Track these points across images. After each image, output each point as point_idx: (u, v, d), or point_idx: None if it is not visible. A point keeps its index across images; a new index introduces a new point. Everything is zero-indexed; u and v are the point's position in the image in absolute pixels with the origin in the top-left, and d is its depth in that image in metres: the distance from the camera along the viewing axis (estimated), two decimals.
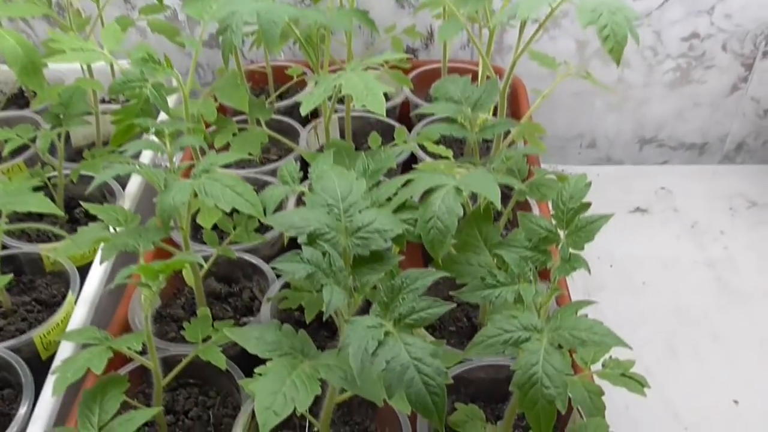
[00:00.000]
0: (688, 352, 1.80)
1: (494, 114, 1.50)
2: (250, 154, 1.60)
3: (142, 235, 1.23)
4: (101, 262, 1.29)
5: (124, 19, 1.83)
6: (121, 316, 1.45)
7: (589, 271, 1.09)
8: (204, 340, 1.29)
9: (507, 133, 1.48)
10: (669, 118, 2.38)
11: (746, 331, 1.85)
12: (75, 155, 1.98)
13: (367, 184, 1.18)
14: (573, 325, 0.95)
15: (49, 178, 1.74)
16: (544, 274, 1.15)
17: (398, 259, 1.07)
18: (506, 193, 1.42)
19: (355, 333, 0.90)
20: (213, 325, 1.32)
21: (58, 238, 1.65)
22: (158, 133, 1.29)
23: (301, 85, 2.08)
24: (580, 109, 2.36)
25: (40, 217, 1.73)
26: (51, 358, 1.40)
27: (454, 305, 0.95)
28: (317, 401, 0.96)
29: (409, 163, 1.76)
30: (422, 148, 1.68)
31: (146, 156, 1.82)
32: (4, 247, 1.62)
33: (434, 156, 1.55)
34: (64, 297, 1.53)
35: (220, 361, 1.23)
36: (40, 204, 1.29)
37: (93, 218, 1.30)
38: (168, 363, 1.32)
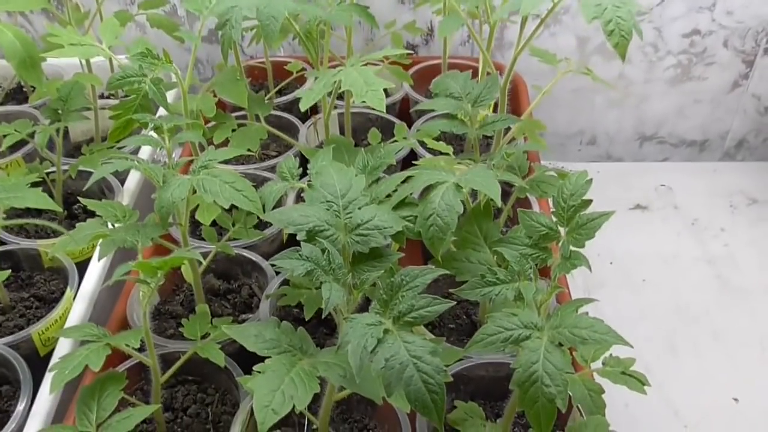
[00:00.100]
0: (688, 350, 1.79)
1: (494, 110, 1.49)
2: (249, 150, 1.59)
3: (140, 232, 1.23)
4: (99, 259, 1.28)
5: (123, 13, 1.83)
6: (120, 313, 1.45)
7: (590, 268, 1.09)
8: (203, 337, 1.29)
9: (507, 129, 1.47)
10: (669, 115, 2.37)
11: (746, 329, 1.84)
12: (74, 150, 1.97)
13: (367, 181, 1.18)
14: (573, 323, 0.95)
15: (47, 174, 1.73)
16: (544, 272, 1.15)
17: (398, 256, 1.07)
18: (506, 189, 1.42)
19: (354, 331, 0.89)
20: (212, 322, 1.32)
21: (56, 233, 1.65)
22: (157, 129, 1.29)
23: (301, 80, 2.08)
24: (581, 105, 2.35)
25: (38, 212, 1.73)
26: (49, 354, 1.39)
27: (454, 303, 0.94)
28: (316, 399, 0.96)
29: (409, 160, 1.76)
30: (422, 144, 1.68)
31: (145, 151, 1.81)
32: (2, 242, 1.62)
33: (434, 152, 1.55)
34: (62, 293, 1.53)
35: (219, 359, 1.23)
36: (38, 200, 1.28)
37: (91, 214, 1.29)
38: (166, 360, 1.31)
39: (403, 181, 1.17)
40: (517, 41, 1.37)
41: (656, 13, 2.14)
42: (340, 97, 1.74)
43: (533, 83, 1.92)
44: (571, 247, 1.10)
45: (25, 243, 1.62)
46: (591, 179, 1.12)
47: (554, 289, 1.05)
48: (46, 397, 1.28)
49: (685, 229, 2.15)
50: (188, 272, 1.44)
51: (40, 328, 1.43)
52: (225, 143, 1.63)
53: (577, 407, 1.14)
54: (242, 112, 1.74)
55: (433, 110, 1.59)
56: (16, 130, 1.65)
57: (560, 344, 0.94)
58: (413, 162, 1.33)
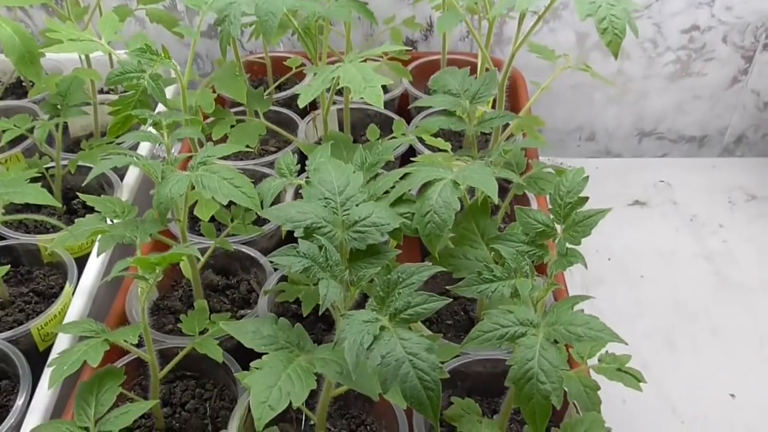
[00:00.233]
0: (686, 346, 1.80)
1: (493, 106, 1.49)
2: (248, 146, 1.59)
3: (139, 227, 1.23)
4: (98, 254, 1.29)
5: (123, 8, 1.83)
6: (119, 308, 1.45)
7: (586, 265, 1.09)
8: (201, 333, 1.29)
9: (506, 125, 1.47)
10: (669, 111, 2.37)
11: (744, 325, 1.85)
12: (73, 145, 1.98)
13: (365, 178, 1.18)
14: (569, 320, 0.95)
15: (47, 169, 1.73)
16: (541, 269, 1.15)
17: (395, 253, 1.07)
18: (504, 186, 1.42)
19: (351, 327, 0.90)
20: (210, 318, 1.32)
21: (55, 228, 1.65)
22: (156, 125, 1.29)
23: (300, 76, 2.08)
24: (580, 101, 2.35)
25: (37, 208, 1.73)
26: (48, 349, 1.40)
27: (450, 300, 0.94)
28: (314, 395, 0.97)
29: (408, 156, 1.76)
30: (421, 140, 1.68)
31: (144, 147, 1.82)
32: (2, 237, 1.63)
33: (433, 148, 1.55)
34: (61, 288, 1.53)
35: (217, 354, 1.24)
36: (38, 195, 1.29)
37: (91, 209, 1.29)
38: (165, 355, 1.32)
39: (401, 178, 1.17)
40: (515, 37, 1.37)
41: (655, 8, 2.14)
42: (340, 92, 1.75)
43: (532, 79, 1.92)
44: (568, 245, 1.10)
45: (24, 238, 1.63)
46: (587, 176, 1.12)
47: (550, 286, 1.05)
48: (44, 392, 1.29)
49: (684, 225, 2.16)
50: (187, 268, 1.45)
51: (40, 323, 1.43)
52: (224, 139, 1.63)
53: (573, 404, 1.15)
54: (241, 108, 1.73)
55: (431, 107, 1.59)
56: (15, 126, 1.65)
57: (556, 341, 0.95)
58: (411, 159, 1.34)
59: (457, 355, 1.30)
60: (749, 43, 2.21)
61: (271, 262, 1.03)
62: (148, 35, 1.64)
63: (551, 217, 1.12)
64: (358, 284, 1.02)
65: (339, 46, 1.85)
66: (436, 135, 1.53)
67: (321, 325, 1.48)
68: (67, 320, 1.43)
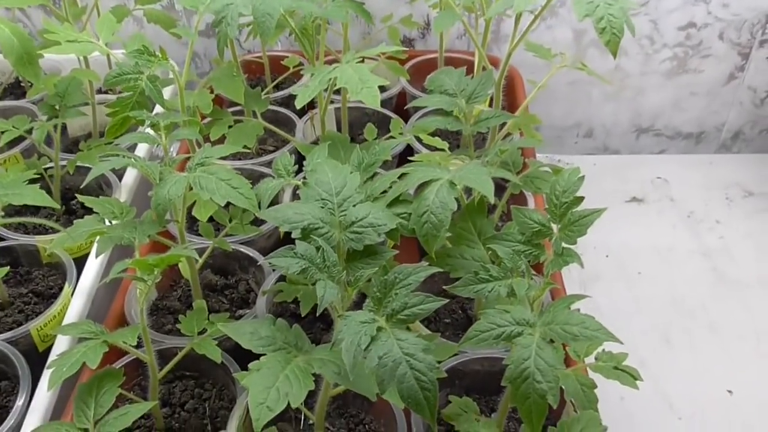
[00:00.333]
0: (684, 343, 1.80)
1: (490, 105, 1.50)
2: (245, 147, 1.59)
3: (137, 229, 1.24)
4: (97, 256, 1.29)
5: (121, 8, 1.83)
6: (118, 308, 1.46)
7: (582, 265, 1.09)
8: (200, 333, 1.30)
9: (503, 124, 1.48)
10: (666, 108, 2.37)
11: (741, 321, 1.85)
12: (71, 145, 1.98)
13: (362, 178, 1.19)
14: (565, 319, 0.96)
15: (45, 169, 1.73)
16: (539, 268, 1.16)
17: (392, 253, 1.07)
18: (502, 184, 1.42)
19: (348, 328, 0.90)
20: (209, 318, 1.33)
21: (55, 229, 1.65)
22: (154, 126, 1.29)
23: (298, 75, 2.08)
24: (577, 98, 2.36)
25: (36, 208, 1.73)
26: (48, 350, 1.40)
27: (446, 301, 0.95)
28: (313, 394, 0.97)
29: (406, 154, 1.77)
30: (418, 139, 1.68)
31: (142, 147, 1.82)
32: (1, 238, 1.63)
33: (431, 147, 1.56)
34: (60, 289, 1.54)
35: (216, 354, 1.24)
36: (36, 197, 1.29)
37: (90, 209, 1.30)
38: (164, 355, 1.32)
39: (399, 178, 1.18)
40: (512, 36, 1.37)
41: (652, 5, 2.15)
42: (338, 91, 1.75)
43: (530, 76, 1.93)
44: (564, 244, 1.10)
45: (23, 239, 1.63)
46: (583, 176, 1.12)
47: (546, 286, 1.06)
48: (44, 393, 1.29)
49: (681, 221, 2.16)
50: (186, 268, 1.45)
51: (39, 324, 1.44)
52: (222, 139, 1.64)
53: (571, 402, 1.15)
54: (239, 107, 1.74)
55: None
56: (14, 127, 1.65)
57: (552, 341, 0.95)
58: (409, 158, 1.34)
59: (455, 354, 1.30)
60: (746, 40, 2.21)
61: (270, 263, 1.03)
62: (146, 35, 1.64)
63: (547, 216, 1.13)
64: (356, 285, 1.02)
65: (336, 44, 1.85)
66: (433, 134, 1.54)
67: (320, 325, 1.49)
68: (66, 321, 1.43)
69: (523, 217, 1.13)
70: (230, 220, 1.52)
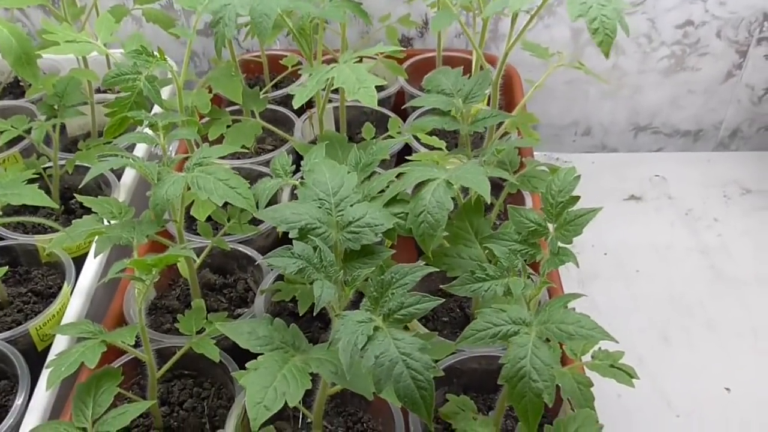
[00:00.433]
0: (681, 340, 1.81)
1: (488, 103, 1.50)
2: (243, 146, 1.60)
3: (136, 229, 1.24)
4: (96, 256, 1.30)
5: (119, 8, 1.84)
6: (117, 308, 1.46)
7: (577, 264, 1.10)
8: (198, 332, 1.30)
9: (501, 122, 1.48)
10: (663, 106, 2.38)
11: (739, 319, 1.86)
12: (70, 144, 1.99)
13: (359, 178, 1.19)
14: (561, 318, 0.96)
15: (44, 169, 1.74)
16: (535, 267, 1.16)
17: (389, 253, 1.08)
18: (499, 183, 1.42)
19: (345, 328, 0.91)
20: (207, 317, 1.33)
21: (54, 229, 1.66)
22: (152, 126, 1.30)
23: (297, 74, 2.08)
24: (575, 96, 2.36)
25: (35, 208, 1.74)
26: (47, 349, 1.40)
27: (442, 301, 0.96)
28: (310, 393, 0.98)
29: (404, 152, 1.77)
30: (416, 138, 1.69)
31: (141, 147, 1.82)
32: (0, 238, 1.63)
33: (428, 146, 1.56)
34: (59, 288, 1.54)
35: (214, 354, 1.25)
36: (35, 197, 1.30)
37: (88, 209, 1.30)
38: (162, 354, 1.33)
39: (396, 177, 1.18)
40: (508, 36, 1.37)
41: (650, 4, 2.15)
42: (336, 90, 1.75)
43: (527, 75, 1.93)
44: (560, 243, 1.11)
45: (22, 238, 1.64)
46: (579, 176, 1.13)
47: (543, 285, 1.06)
48: (43, 393, 1.30)
49: (679, 219, 2.16)
50: (184, 267, 1.46)
51: (38, 323, 1.44)
52: (220, 139, 1.64)
53: (567, 400, 1.16)
54: (238, 107, 1.74)
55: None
56: (12, 126, 1.65)
57: (548, 340, 0.96)
58: (406, 158, 1.34)
59: (453, 352, 1.31)
60: (743, 38, 2.21)
61: (268, 264, 1.04)
62: (144, 34, 1.65)
63: (543, 216, 1.13)
64: (353, 284, 1.03)
65: (334, 43, 1.85)
66: (431, 133, 1.54)
67: (317, 323, 1.49)
68: (65, 320, 1.44)
69: (519, 216, 1.14)
70: (228, 220, 1.53)
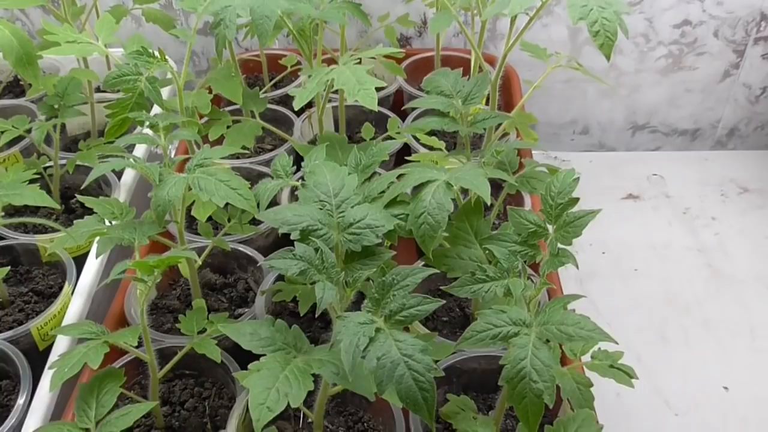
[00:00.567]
0: (679, 339, 1.82)
1: (487, 103, 1.50)
2: (243, 147, 1.60)
3: (137, 229, 1.25)
4: (97, 256, 1.30)
5: (120, 8, 1.84)
6: (118, 308, 1.47)
7: (577, 266, 1.11)
8: (199, 333, 1.31)
9: (499, 124, 1.48)
10: (661, 105, 2.39)
11: (737, 318, 1.87)
12: (71, 144, 1.99)
13: (360, 179, 1.20)
14: (561, 319, 0.97)
15: (45, 168, 1.74)
16: (534, 268, 1.17)
17: (390, 254, 1.08)
18: (499, 183, 1.43)
19: (347, 330, 0.92)
20: (208, 317, 1.34)
21: (55, 228, 1.66)
22: (152, 127, 1.30)
23: (296, 73, 2.09)
24: (573, 95, 2.37)
25: (36, 207, 1.74)
26: (48, 348, 1.41)
27: (443, 302, 0.96)
28: (311, 392, 0.98)
29: (403, 152, 1.78)
30: (416, 138, 1.69)
31: (141, 147, 1.82)
32: (1, 237, 1.64)
33: (428, 146, 1.57)
34: (61, 288, 1.55)
35: (215, 354, 1.25)
36: (36, 197, 1.30)
37: (89, 209, 1.30)
38: (164, 354, 1.33)
39: (397, 178, 1.19)
40: (507, 37, 1.38)
41: (647, 3, 2.16)
42: (336, 90, 1.75)
43: (526, 75, 1.93)
44: (559, 245, 1.11)
45: (23, 238, 1.64)
46: (578, 178, 1.13)
47: (543, 286, 1.07)
48: (45, 393, 1.30)
49: (677, 218, 2.17)
50: (185, 267, 1.46)
51: (39, 323, 1.45)
52: (220, 140, 1.64)
53: (567, 400, 1.17)
54: (237, 107, 1.75)
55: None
56: (13, 126, 1.66)
57: (548, 341, 0.96)
58: (406, 158, 1.35)
59: (453, 352, 1.31)
60: (740, 38, 2.22)
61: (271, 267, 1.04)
62: (144, 34, 1.65)
63: (543, 217, 1.14)
64: (354, 286, 1.04)
65: (333, 43, 1.86)
66: (431, 133, 1.55)
67: (318, 323, 1.50)
68: (66, 320, 1.44)
69: (518, 218, 1.15)
70: (229, 220, 1.53)
